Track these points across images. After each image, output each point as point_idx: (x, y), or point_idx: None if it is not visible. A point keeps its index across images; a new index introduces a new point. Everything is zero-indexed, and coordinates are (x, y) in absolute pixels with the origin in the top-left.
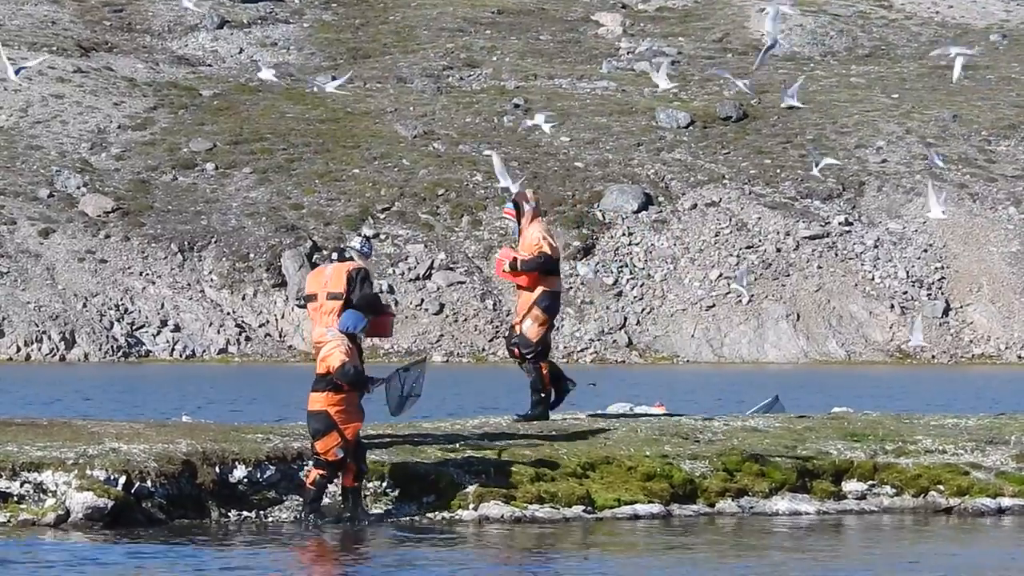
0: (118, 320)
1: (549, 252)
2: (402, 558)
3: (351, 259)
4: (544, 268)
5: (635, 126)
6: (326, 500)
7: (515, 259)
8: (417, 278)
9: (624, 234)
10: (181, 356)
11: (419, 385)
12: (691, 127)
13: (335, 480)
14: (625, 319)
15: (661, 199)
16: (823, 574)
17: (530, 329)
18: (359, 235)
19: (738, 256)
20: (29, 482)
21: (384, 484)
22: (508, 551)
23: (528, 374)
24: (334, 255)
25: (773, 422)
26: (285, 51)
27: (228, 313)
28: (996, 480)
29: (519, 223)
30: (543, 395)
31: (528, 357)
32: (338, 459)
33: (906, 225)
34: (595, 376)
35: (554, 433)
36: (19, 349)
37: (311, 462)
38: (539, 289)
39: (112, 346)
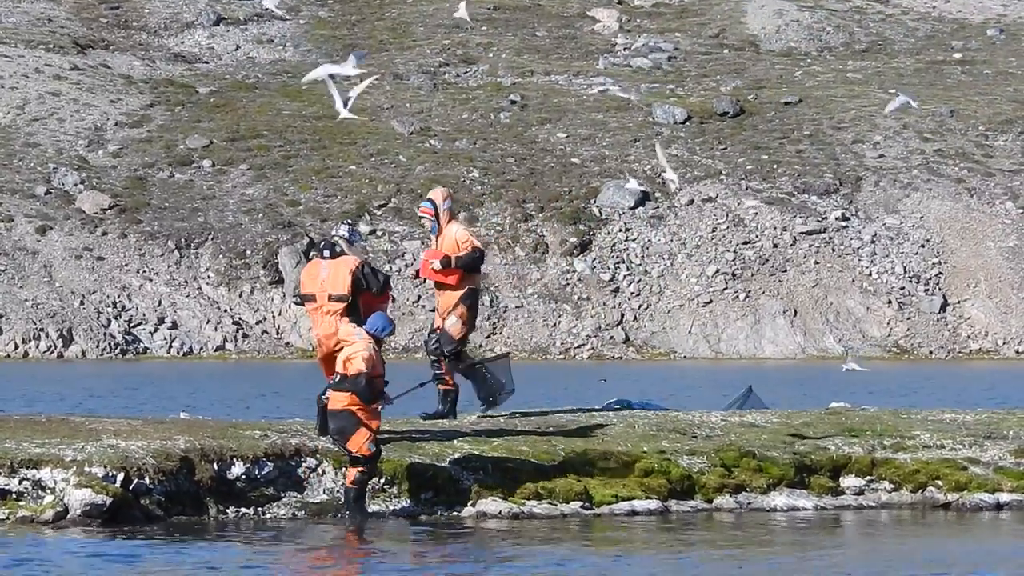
0: (115, 317)
1: (481, 247)
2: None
3: (342, 252)
4: (477, 264)
5: (632, 122)
6: (325, 497)
7: (447, 257)
8: (415, 275)
9: (621, 230)
10: (178, 353)
11: (509, 380)
12: (688, 123)
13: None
14: (622, 315)
15: (658, 195)
16: (822, 570)
17: (454, 326)
18: (345, 223)
19: (735, 252)
20: (28, 479)
21: (382, 481)
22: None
23: (435, 370)
24: (325, 251)
25: (771, 417)
26: (281, 48)
27: (225, 310)
28: (994, 475)
29: (437, 222)
30: (454, 396)
31: (448, 354)
32: (372, 453)
33: (903, 220)
34: (599, 373)
35: (552, 429)
36: (17, 347)
37: (348, 461)
38: (465, 287)
39: (110, 343)
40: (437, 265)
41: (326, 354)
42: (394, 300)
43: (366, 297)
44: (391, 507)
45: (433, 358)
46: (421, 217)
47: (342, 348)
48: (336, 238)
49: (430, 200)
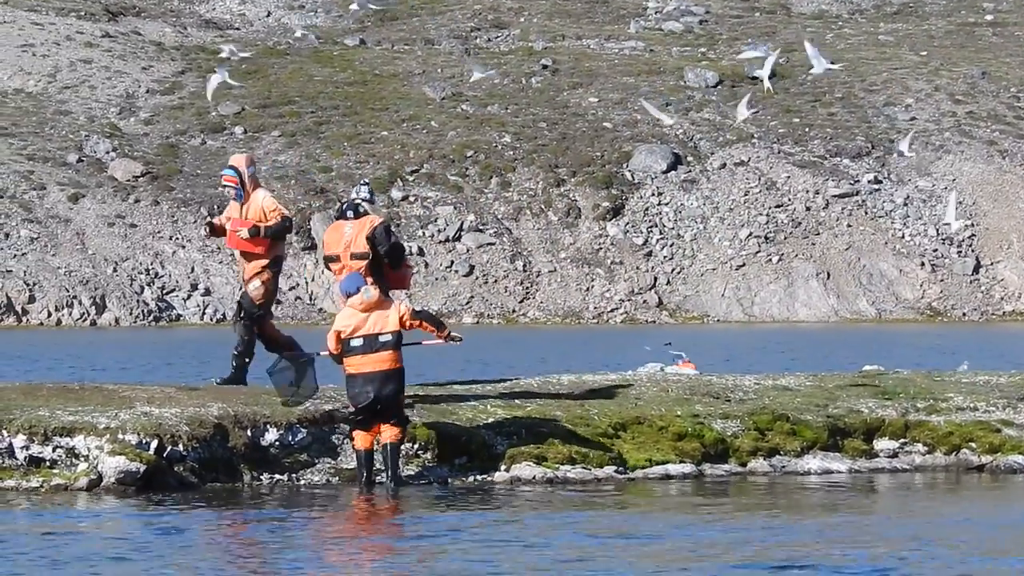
0: (148, 284)
1: (289, 215)
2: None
3: (365, 213)
4: (285, 233)
5: (663, 86)
6: (354, 464)
7: (256, 226)
8: (447, 240)
9: (653, 194)
10: (212, 320)
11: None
12: (719, 86)
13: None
14: (655, 279)
15: (690, 159)
16: (856, 532)
17: (256, 291)
18: (362, 183)
19: (768, 215)
20: (61, 447)
21: (416, 446)
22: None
23: (239, 337)
24: (349, 212)
25: (804, 381)
26: (313, 14)
27: None
28: None
29: (243, 189)
30: (247, 360)
31: (246, 318)
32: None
33: (936, 183)
34: (632, 337)
35: (584, 394)
36: (50, 314)
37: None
38: (272, 254)
39: (143, 310)
40: (245, 234)
41: None
42: (410, 268)
43: (388, 268)
44: (425, 472)
45: (233, 324)
46: (224, 185)
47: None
48: (358, 200)
49: (233, 167)
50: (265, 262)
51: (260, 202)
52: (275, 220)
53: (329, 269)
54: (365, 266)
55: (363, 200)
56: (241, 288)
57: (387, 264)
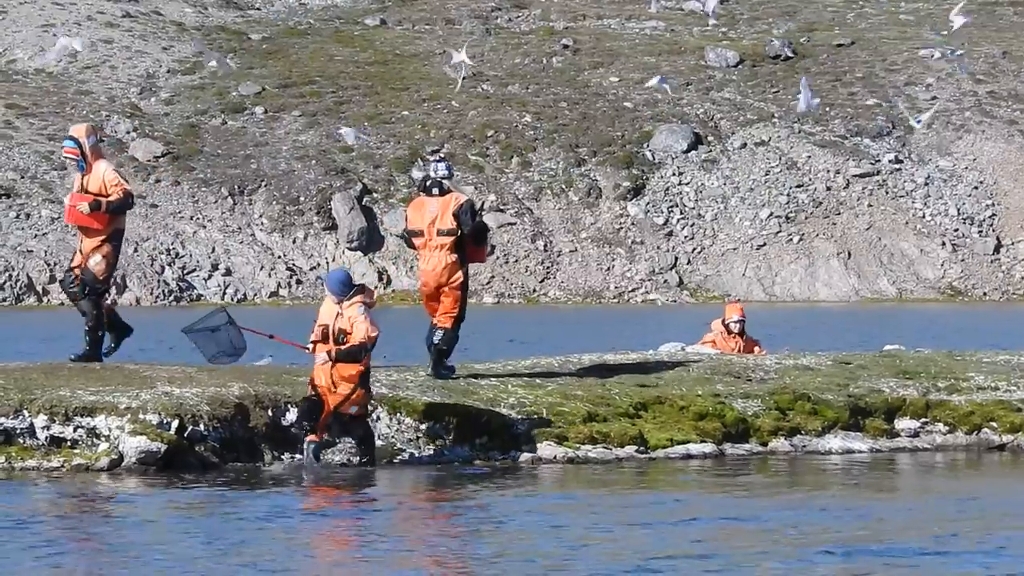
0: (169, 264)
1: (131, 190)
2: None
3: (449, 190)
4: (126, 208)
5: (684, 65)
6: (380, 443)
7: (97, 201)
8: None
9: (674, 174)
10: (232, 299)
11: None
12: (740, 66)
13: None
14: (676, 259)
15: (711, 139)
16: (878, 510)
17: (98, 265)
18: (440, 160)
19: (788, 195)
20: (82, 427)
21: (437, 425)
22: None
23: (86, 314)
24: (434, 190)
25: (825, 360)
26: None
27: (279, 256)
28: None
29: (84, 160)
30: (100, 334)
31: (92, 293)
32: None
33: (956, 162)
34: (653, 317)
35: (605, 373)
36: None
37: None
38: (111, 228)
39: (164, 290)
40: (85, 208)
41: (431, 292)
42: (492, 250)
43: (470, 246)
44: (446, 452)
45: (71, 297)
46: (65, 157)
47: (448, 283)
48: (439, 177)
49: (72, 138)
50: (104, 236)
51: (102, 174)
52: (117, 196)
53: (411, 245)
54: (451, 242)
55: (443, 177)
56: (69, 263)
57: (472, 245)
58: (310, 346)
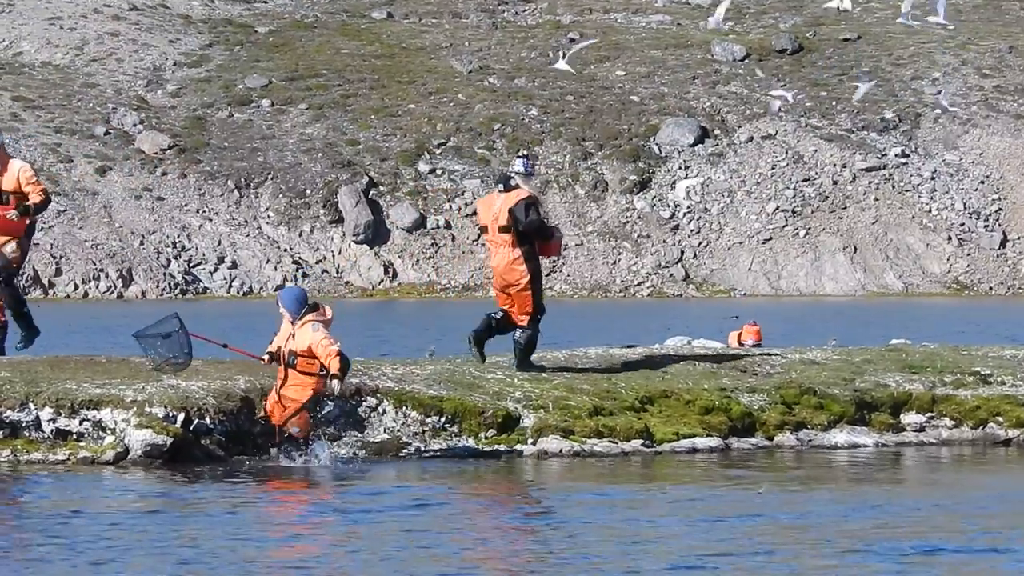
0: (175, 257)
1: (46, 187)
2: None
3: (517, 186)
4: (46, 208)
5: (691, 59)
6: (385, 436)
7: (25, 206)
8: (474, 213)
9: (680, 167)
10: (238, 293)
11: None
12: (747, 60)
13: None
14: (682, 253)
15: (717, 132)
16: (885, 505)
17: (13, 252)
18: (520, 156)
19: (795, 189)
20: (88, 420)
21: (443, 419)
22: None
23: (5, 301)
24: (500, 185)
25: (831, 355)
26: None
27: (285, 249)
28: None
29: None
30: (25, 310)
31: (9, 277)
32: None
33: (963, 157)
34: (659, 310)
35: (611, 367)
36: (77, 287)
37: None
38: (25, 222)
39: (169, 283)
40: (14, 216)
41: (500, 286)
42: (563, 246)
43: (537, 241)
44: (451, 445)
45: None
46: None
47: (511, 286)
48: (512, 172)
49: None
50: (21, 229)
51: (16, 172)
52: (39, 197)
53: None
54: (511, 237)
55: (516, 173)
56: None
57: (542, 240)
58: (265, 357)
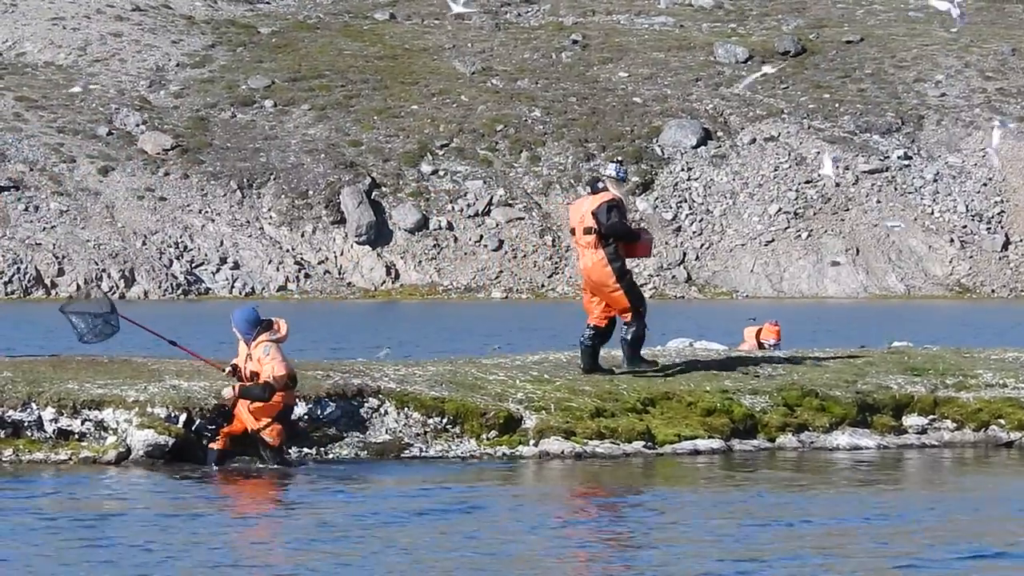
0: (177, 258)
1: None
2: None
3: (604, 189)
4: None
5: (693, 61)
6: (387, 437)
7: None
8: (476, 214)
9: (683, 169)
10: (240, 293)
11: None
12: (749, 62)
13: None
14: (684, 254)
15: (720, 134)
16: (886, 507)
17: None
18: (613, 162)
19: (797, 191)
20: (90, 420)
21: (444, 420)
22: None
23: None
24: (588, 188)
25: (833, 356)
26: None
27: (287, 250)
28: None
29: None
30: None
31: None
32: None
33: (965, 159)
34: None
35: (614, 369)
36: (79, 287)
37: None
38: None
39: (172, 284)
40: None
41: (590, 288)
42: (642, 238)
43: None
44: (453, 446)
45: None
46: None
47: (601, 288)
48: (603, 176)
49: None
50: None
51: None
52: None
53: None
54: (594, 239)
55: (607, 177)
56: None
57: (629, 241)
58: (228, 369)
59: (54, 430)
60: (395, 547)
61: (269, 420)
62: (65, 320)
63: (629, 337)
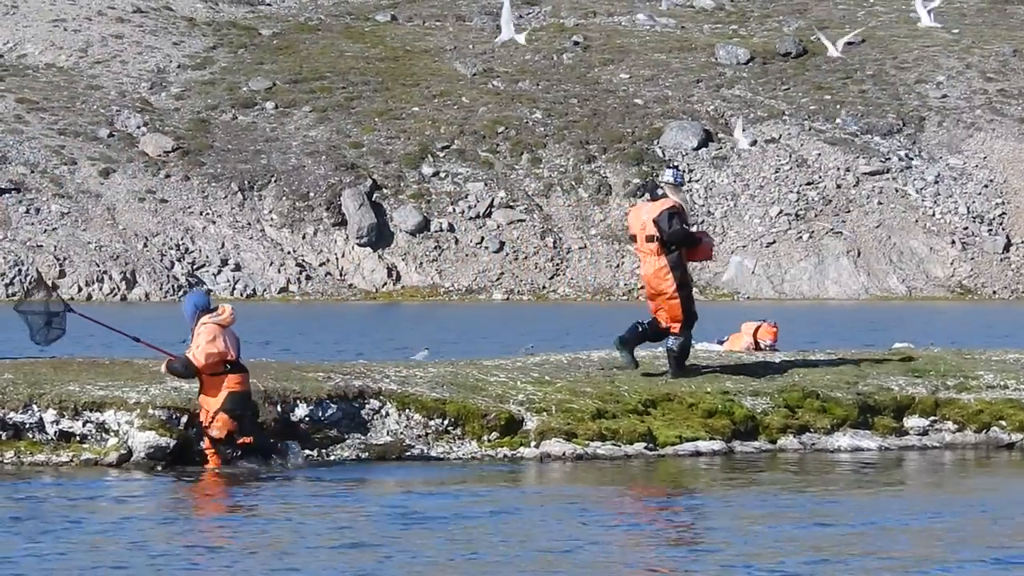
0: (179, 260)
1: None
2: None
3: (663, 195)
4: None
5: (694, 63)
6: (388, 439)
7: None
8: (477, 216)
9: (684, 171)
10: (241, 295)
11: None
12: (751, 63)
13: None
14: None
15: (721, 136)
16: (887, 509)
17: None
18: (670, 167)
19: (798, 192)
20: (91, 422)
21: (446, 422)
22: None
23: None
24: (647, 194)
25: (833, 358)
26: None
27: (288, 252)
28: None
29: None
30: None
31: None
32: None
33: (967, 160)
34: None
35: (615, 371)
36: (80, 289)
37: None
38: None
39: (173, 285)
40: None
41: (651, 294)
42: (703, 241)
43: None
44: (454, 448)
45: None
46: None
47: (659, 295)
48: (661, 182)
49: None
50: None
51: None
52: None
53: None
54: (656, 246)
55: (665, 183)
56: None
57: (689, 245)
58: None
59: (55, 432)
60: (410, 551)
61: (210, 412)
62: (21, 319)
63: (676, 348)
